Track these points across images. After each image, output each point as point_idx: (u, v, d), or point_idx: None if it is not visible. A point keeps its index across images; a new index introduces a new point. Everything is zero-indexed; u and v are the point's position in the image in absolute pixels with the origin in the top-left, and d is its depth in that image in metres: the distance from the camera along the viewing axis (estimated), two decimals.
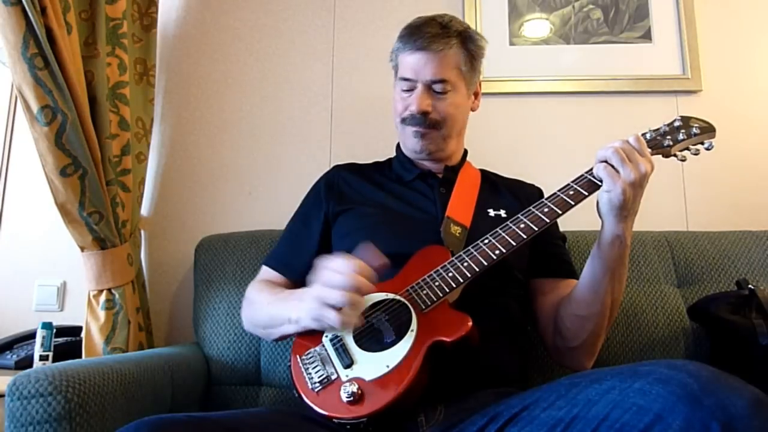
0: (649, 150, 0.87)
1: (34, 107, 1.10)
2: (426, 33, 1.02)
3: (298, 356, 0.85)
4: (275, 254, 1.11)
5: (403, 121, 1.07)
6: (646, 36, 1.52)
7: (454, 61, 1.03)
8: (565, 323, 0.92)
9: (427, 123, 1.03)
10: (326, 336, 0.84)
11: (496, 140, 1.49)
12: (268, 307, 0.95)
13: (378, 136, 1.52)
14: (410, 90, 1.05)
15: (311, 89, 1.57)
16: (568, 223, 1.16)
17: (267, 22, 1.60)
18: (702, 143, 0.90)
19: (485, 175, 1.15)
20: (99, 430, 0.81)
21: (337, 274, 0.78)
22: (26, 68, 1.07)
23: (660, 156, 0.90)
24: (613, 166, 0.81)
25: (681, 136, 0.89)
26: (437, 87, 1.03)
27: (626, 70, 1.51)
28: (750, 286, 1.06)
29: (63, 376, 0.79)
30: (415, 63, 1.02)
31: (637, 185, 0.80)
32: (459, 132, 1.11)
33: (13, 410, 0.77)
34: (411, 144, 1.07)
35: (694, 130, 0.89)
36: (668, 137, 0.89)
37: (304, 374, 0.82)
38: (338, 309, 0.76)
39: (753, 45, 1.51)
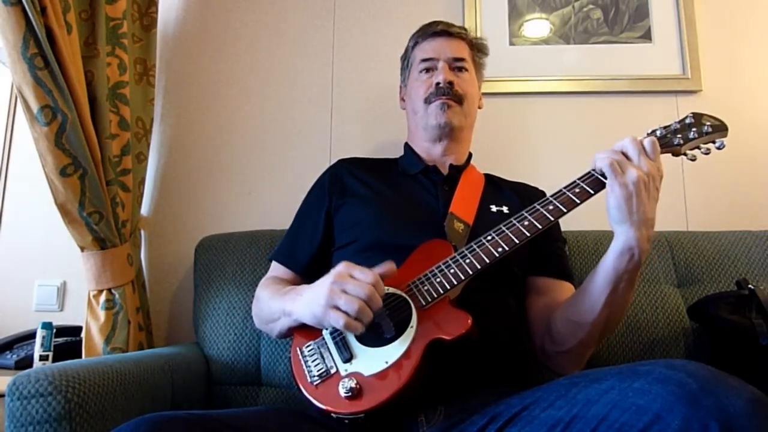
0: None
1: (34, 107, 1.10)
2: (442, 23, 1.14)
3: (297, 348, 0.85)
4: (281, 248, 1.11)
5: (427, 99, 1.08)
6: (646, 36, 1.52)
7: (467, 48, 1.14)
8: (557, 326, 0.91)
9: (453, 94, 1.07)
10: (326, 329, 0.84)
11: (496, 140, 1.49)
12: (270, 302, 0.96)
13: (378, 136, 1.52)
14: (431, 70, 1.10)
15: (311, 89, 1.57)
16: (568, 222, 1.16)
17: (267, 22, 1.60)
18: (713, 142, 0.86)
19: (489, 177, 1.15)
20: (99, 430, 0.81)
21: (355, 282, 0.77)
22: (26, 68, 1.07)
23: (670, 155, 0.86)
24: (626, 156, 0.78)
25: (692, 135, 0.85)
26: (458, 64, 1.11)
27: (626, 70, 1.51)
28: (750, 286, 1.05)
29: (63, 376, 0.79)
30: (436, 45, 1.12)
31: (642, 186, 0.76)
32: (472, 123, 1.15)
33: (13, 410, 0.77)
34: (436, 119, 1.07)
35: (706, 128, 0.85)
36: (679, 135, 0.86)
37: (304, 367, 0.82)
38: (344, 312, 0.76)
39: (753, 45, 1.51)
